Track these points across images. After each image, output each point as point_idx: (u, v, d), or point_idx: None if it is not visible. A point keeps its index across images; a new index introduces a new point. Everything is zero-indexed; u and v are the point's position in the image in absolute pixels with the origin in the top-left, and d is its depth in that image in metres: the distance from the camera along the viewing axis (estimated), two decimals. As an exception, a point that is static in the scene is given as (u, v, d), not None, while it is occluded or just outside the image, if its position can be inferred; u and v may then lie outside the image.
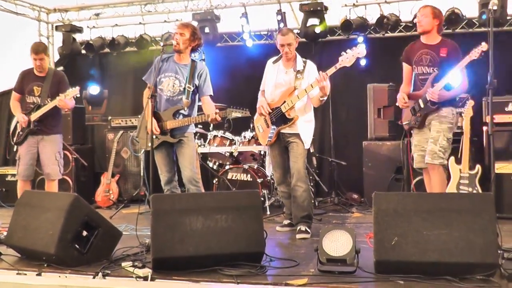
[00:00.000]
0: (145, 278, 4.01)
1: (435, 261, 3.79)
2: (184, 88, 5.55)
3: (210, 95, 5.71)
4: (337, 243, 4.11)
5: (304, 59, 5.79)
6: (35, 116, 6.29)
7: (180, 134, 5.58)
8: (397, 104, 5.72)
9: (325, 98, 5.54)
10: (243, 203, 4.41)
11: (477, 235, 3.79)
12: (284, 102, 5.63)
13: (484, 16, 7.44)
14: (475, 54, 5.09)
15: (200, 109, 5.81)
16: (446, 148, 5.31)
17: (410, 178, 6.74)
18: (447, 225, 3.85)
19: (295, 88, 5.61)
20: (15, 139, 6.47)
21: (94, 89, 9.56)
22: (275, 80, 5.79)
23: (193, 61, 5.68)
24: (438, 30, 5.46)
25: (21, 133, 6.39)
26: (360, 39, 8.41)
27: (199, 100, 5.75)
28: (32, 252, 4.59)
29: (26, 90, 6.43)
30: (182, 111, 5.57)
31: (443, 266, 3.76)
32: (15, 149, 6.61)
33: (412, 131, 5.64)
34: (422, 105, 5.39)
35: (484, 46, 5.02)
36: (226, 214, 4.28)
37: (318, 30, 8.47)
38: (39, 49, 6.36)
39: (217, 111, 5.49)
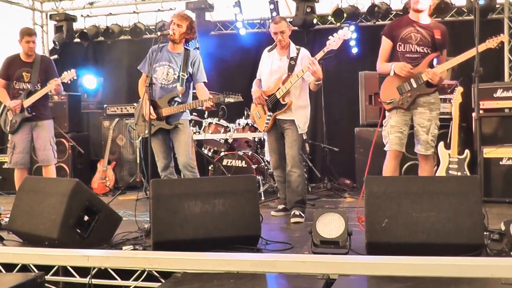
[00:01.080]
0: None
1: (423, 242, 3.92)
2: (178, 76, 5.64)
3: (204, 82, 5.80)
4: (330, 226, 4.23)
5: (297, 47, 5.92)
6: (28, 102, 6.30)
7: (175, 121, 5.67)
8: (391, 74, 5.25)
9: (320, 81, 5.67)
10: (239, 187, 4.53)
11: (463, 217, 3.92)
12: (279, 88, 5.77)
13: (481, 1, 7.55)
14: (492, 43, 4.94)
15: (195, 97, 5.90)
16: (436, 135, 5.25)
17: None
18: (435, 207, 3.97)
19: (288, 74, 5.75)
20: (8, 128, 6.45)
21: (90, 81, 9.69)
22: (270, 68, 5.93)
23: (186, 49, 5.77)
24: (430, 10, 5.28)
25: (14, 121, 6.37)
26: (352, 27, 8.53)
27: (193, 88, 5.85)
28: (35, 237, 4.69)
29: (14, 76, 6.42)
30: (177, 99, 5.66)
31: (432, 246, 3.89)
32: (9, 138, 6.60)
33: (390, 111, 5.33)
34: (414, 85, 5.14)
35: (503, 37, 4.97)
36: (223, 199, 4.41)
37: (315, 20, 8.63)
38: (32, 32, 6.43)
39: (211, 97, 5.59)
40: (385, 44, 5.40)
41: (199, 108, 5.78)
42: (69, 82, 6.43)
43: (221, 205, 4.40)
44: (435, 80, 5.06)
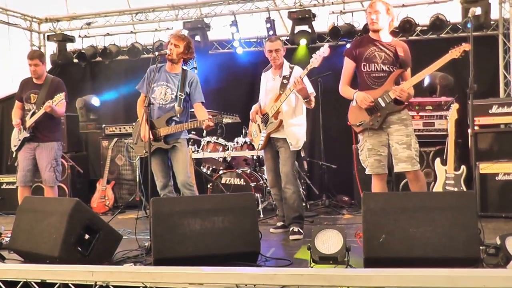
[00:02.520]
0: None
1: (420, 256, 3.95)
2: (176, 96, 5.66)
3: (202, 102, 5.82)
4: (328, 242, 4.26)
5: (291, 65, 6.01)
6: (29, 122, 6.36)
7: (173, 140, 5.69)
8: (353, 104, 5.23)
9: (309, 99, 5.76)
10: (238, 205, 4.57)
11: (460, 231, 3.95)
12: (272, 107, 5.87)
13: (469, 25, 7.63)
14: (456, 53, 4.84)
15: (193, 116, 5.95)
16: (418, 150, 5.06)
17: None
18: (431, 222, 4.01)
19: (280, 93, 5.83)
20: (13, 146, 6.55)
21: (95, 100, 9.78)
22: (266, 87, 6.07)
23: (183, 69, 5.80)
24: (390, 27, 5.20)
25: (18, 139, 6.45)
26: (348, 45, 8.61)
27: (191, 107, 5.89)
28: (36, 256, 4.69)
29: (24, 97, 6.50)
30: (175, 118, 5.68)
31: (428, 261, 3.91)
32: (14, 155, 6.67)
33: (362, 134, 5.20)
34: (383, 104, 4.99)
35: (465, 45, 4.82)
36: (222, 216, 4.44)
37: (303, 42, 8.76)
38: (33, 55, 6.48)
39: (210, 117, 5.61)
40: (348, 65, 5.26)
41: (198, 127, 5.83)
42: (57, 105, 6.41)
43: (221, 222, 4.42)
44: (403, 97, 4.93)
